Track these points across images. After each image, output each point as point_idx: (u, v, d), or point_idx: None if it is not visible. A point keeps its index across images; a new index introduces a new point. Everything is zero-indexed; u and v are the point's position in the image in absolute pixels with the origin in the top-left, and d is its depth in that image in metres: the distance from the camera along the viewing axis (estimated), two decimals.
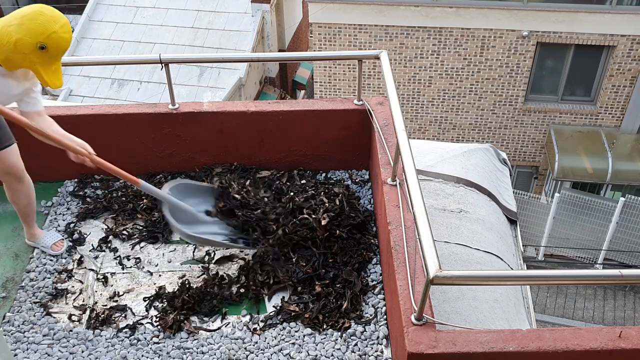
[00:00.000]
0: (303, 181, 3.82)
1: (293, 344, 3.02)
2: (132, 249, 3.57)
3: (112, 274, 3.44)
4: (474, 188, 4.29)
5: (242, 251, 3.50)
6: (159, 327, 3.11)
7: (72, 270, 3.44)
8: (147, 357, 2.97)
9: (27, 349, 3.01)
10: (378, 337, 3.03)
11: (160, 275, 3.43)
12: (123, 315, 3.19)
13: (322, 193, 3.64)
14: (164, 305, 3.23)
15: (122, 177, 3.20)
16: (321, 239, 3.38)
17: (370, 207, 3.77)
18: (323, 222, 3.39)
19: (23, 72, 2.91)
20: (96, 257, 3.53)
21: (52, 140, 3.02)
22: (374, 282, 3.30)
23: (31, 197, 3.41)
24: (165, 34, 12.66)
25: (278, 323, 3.12)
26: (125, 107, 3.93)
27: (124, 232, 3.68)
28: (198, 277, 3.40)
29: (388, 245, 2.98)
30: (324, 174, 4.05)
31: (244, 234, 3.48)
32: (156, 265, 3.48)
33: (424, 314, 2.45)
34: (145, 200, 3.83)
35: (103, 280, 3.39)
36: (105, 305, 3.25)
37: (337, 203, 3.55)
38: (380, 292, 3.24)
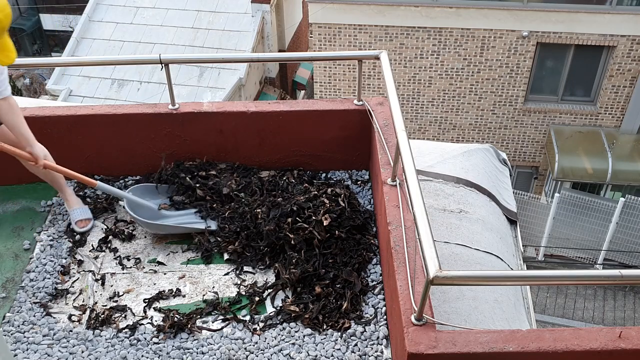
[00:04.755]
0: (300, 186, 3.80)
1: (293, 344, 3.02)
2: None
3: (112, 274, 3.44)
4: (474, 188, 4.29)
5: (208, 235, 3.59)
6: (158, 327, 3.11)
7: (72, 270, 3.44)
8: (147, 357, 2.97)
9: (27, 349, 3.01)
10: (378, 338, 3.03)
11: (160, 276, 3.43)
12: (123, 315, 3.19)
13: (323, 194, 3.64)
14: (164, 305, 3.23)
15: (77, 179, 3.44)
16: (320, 239, 3.37)
17: (370, 207, 3.77)
18: (325, 223, 3.38)
19: None
20: (96, 258, 3.53)
21: None
22: (374, 283, 3.30)
23: None
24: (165, 34, 12.66)
25: (278, 323, 3.12)
26: (125, 107, 3.93)
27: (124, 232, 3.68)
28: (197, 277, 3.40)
29: (388, 245, 2.98)
30: (324, 174, 4.05)
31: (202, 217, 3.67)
32: (156, 265, 3.48)
33: (424, 314, 2.45)
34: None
35: (103, 280, 3.39)
36: (105, 306, 3.25)
37: (339, 204, 3.54)
38: (380, 292, 3.24)
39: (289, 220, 3.44)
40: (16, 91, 15.93)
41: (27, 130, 3.29)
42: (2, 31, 2.82)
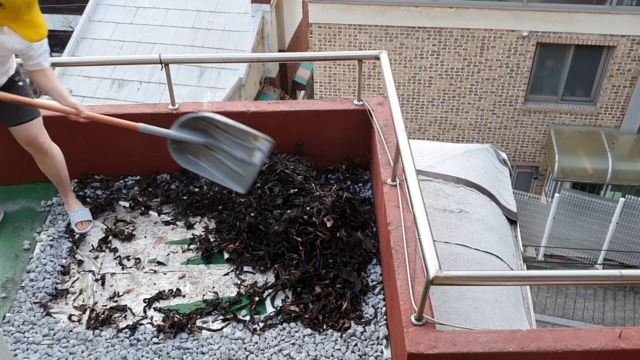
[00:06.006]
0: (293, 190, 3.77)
1: (293, 344, 3.02)
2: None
3: (112, 274, 3.44)
4: (474, 188, 4.29)
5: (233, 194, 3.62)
6: (158, 327, 3.11)
7: (72, 270, 3.44)
8: (147, 358, 2.97)
9: (27, 349, 3.01)
10: (378, 338, 3.03)
11: (160, 276, 3.43)
12: (123, 315, 3.19)
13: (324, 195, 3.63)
14: (164, 305, 3.23)
15: (120, 125, 3.38)
16: (324, 240, 3.36)
17: (370, 207, 3.76)
18: (328, 225, 3.37)
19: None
20: (96, 258, 3.53)
21: (39, 106, 3.24)
22: (374, 283, 3.30)
23: (59, 168, 3.54)
24: (165, 34, 12.66)
25: (278, 323, 3.12)
26: (125, 107, 3.93)
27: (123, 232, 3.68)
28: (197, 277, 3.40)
29: (388, 245, 2.98)
30: (324, 174, 4.05)
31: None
32: (156, 265, 3.48)
33: (424, 314, 2.45)
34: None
35: (103, 280, 3.39)
36: (105, 306, 3.25)
37: (340, 204, 3.54)
38: (380, 292, 3.24)
39: (298, 223, 3.41)
40: None
41: (63, 89, 3.32)
42: (29, 7, 2.81)
